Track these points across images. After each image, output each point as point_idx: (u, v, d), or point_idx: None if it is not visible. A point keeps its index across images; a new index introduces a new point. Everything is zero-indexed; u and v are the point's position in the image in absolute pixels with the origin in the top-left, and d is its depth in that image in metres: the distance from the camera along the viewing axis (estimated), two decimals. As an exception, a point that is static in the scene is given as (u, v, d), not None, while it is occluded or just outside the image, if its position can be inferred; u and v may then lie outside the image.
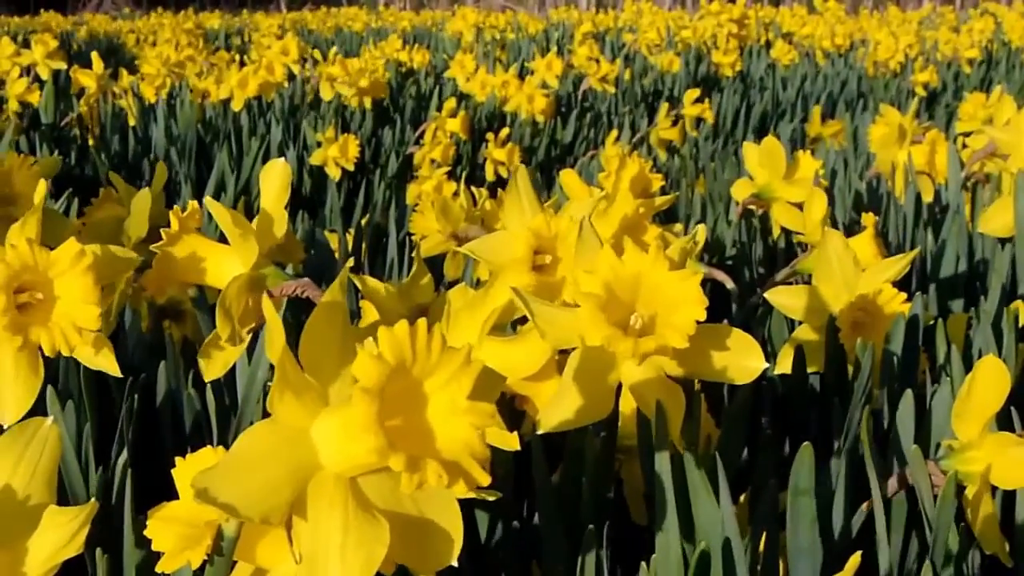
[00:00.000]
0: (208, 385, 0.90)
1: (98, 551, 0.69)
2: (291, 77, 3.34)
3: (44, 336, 0.67)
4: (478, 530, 0.80)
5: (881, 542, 0.74)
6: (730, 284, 1.20)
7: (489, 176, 2.65)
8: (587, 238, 0.72)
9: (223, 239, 0.79)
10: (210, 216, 0.79)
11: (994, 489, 0.73)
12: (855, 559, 0.67)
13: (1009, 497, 0.78)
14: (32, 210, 0.71)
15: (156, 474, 0.74)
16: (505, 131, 2.76)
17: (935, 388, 0.87)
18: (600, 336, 0.64)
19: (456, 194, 1.85)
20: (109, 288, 0.85)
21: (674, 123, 2.92)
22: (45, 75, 2.99)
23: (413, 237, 1.32)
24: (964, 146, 1.91)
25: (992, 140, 1.41)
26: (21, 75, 2.84)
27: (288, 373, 0.45)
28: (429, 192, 2.12)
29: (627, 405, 0.73)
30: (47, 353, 0.67)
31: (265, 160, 1.99)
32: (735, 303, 1.23)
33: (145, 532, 0.61)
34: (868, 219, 1.25)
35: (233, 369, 0.81)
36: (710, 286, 1.18)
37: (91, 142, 2.71)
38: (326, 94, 3.09)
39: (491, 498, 0.48)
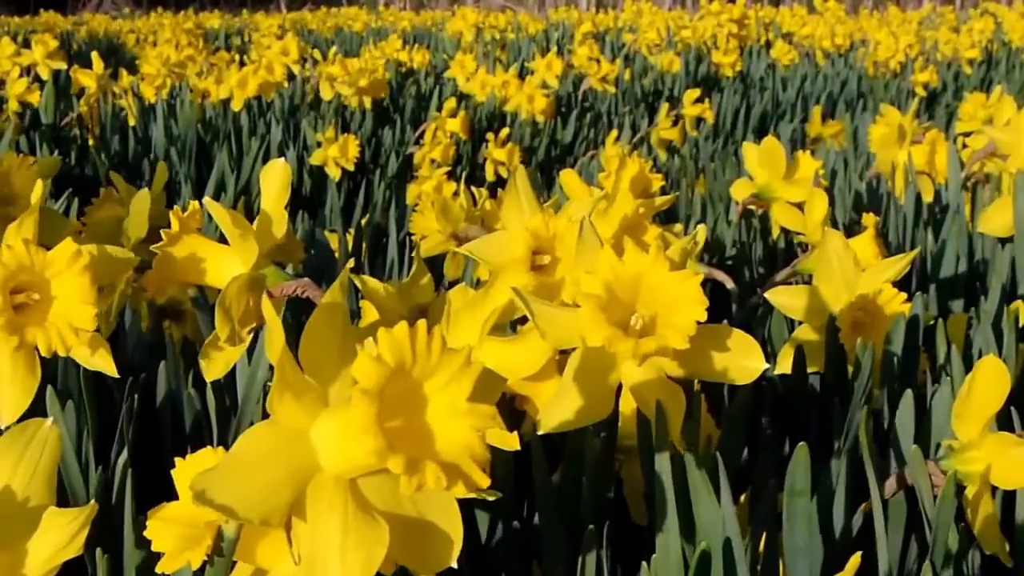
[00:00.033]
0: (208, 385, 0.90)
1: (98, 551, 0.69)
2: (291, 77, 3.34)
3: (40, 336, 0.67)
4: (478, 530, 0.80)
5: (880, 542, 0.74)
6: (730, 284, 1.20)
7: (489, 176, 2.65)
8: (588, 238, 0.72)
9: (223, 239, 0.79)
10: (210, 216, 0.79)
11: (994, 489, 0.73)
12: (855, 559, 0.67)
13: (1009, 497, 0.78)
14: (29, 210, 0.71)
15: (156, 474, 0.74)
16: (505, 131, 2.76)
17: (935, 388, 0.87)
18: (601, 337, 0.64)
19: (456, 194, 1.85)
20: (109, 288, 0.85)
21: (674, 123, 2.92)
22: (45, 75, 3.00)
23: (413, 237, 1.32)
24: (964, 146, 1.91)
25: (992, 140, 1.41)
26: (21, 75, 2.84)
27: (288, 374, 0.45)
28: (429, 192, 2.12)
29: (627, 405, 0.72)
30: (43, 353, 0.67)
31: (265, 160, 1.99)
32: (735, 303, 1.23)
33: (145, 533, 0.61)
34: (869, 219, 1.25)
35: (233, 369, 0.81)
36: (710, 286, 1.18)
37: (91, 142, 2.71)
38: (326, 94, 3.09)
39: (491, 498, 0.48)
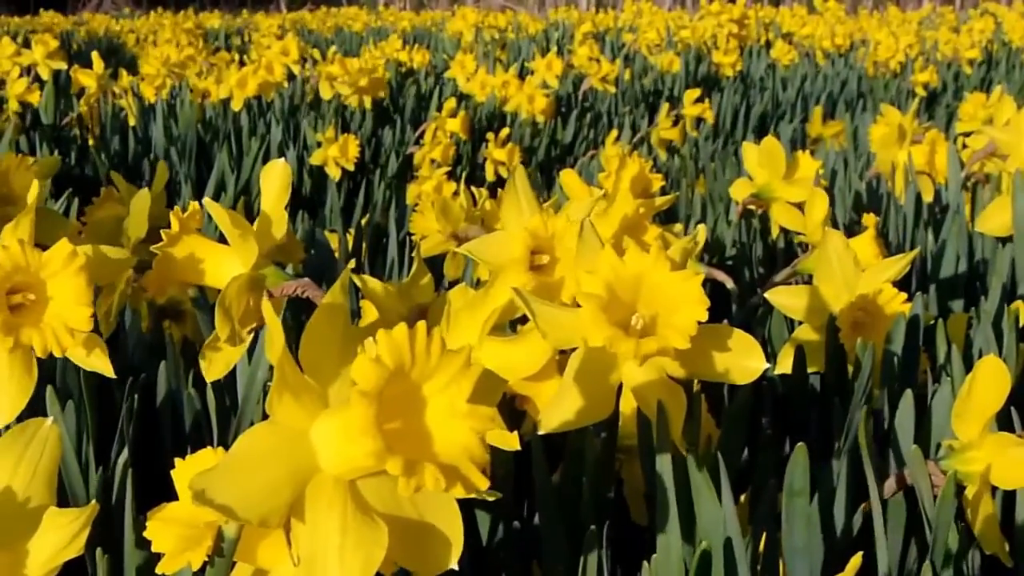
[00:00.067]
0: (208, 385, 0.89)
1: (98, 552, 0.69)
2: (291, 77, 3.34)
3: (35, 337, 0.66)
4: (479, 530, 0.80)
5: (880, 542, 0.74)
6: (730, 284, 1.20)
7: (489, 176, 2.65)
8: (588, 238, 0.72)
9: (223, 239, 0.79)
10: (210, 216, 0.79)
11: (994, 489, 0.73)
12: (857, 559, 0.67)
13: (1009, 497, 0.78)
14: (25, 211, 0.71)
15: (156, 474, 0.74)
16: (505, 131, 2.76)
17: (935, 388, 0.87)
18: (602, 337, 0.64)
19: (456, 194, 1.85)
20: (109, 288, 0.85)
21: (674, 123, 2.92)
22: (45, 75, 3.00)
23: (413, 237, 1.32)
24: (964, 146, 1.91)
25: (992, 140, 1.41)
26: (21, 75, 2.84)
27: (287, 374, 0.45)
28: (429, 192, 2.12)
29: (627, 405, 0.72)
30: (39, 354, 0.67)
31: (265, 160, 2.00)
32: (735, 303, 1.23)
33: (145, 533, 0.61)
34: (869, 219, 1.25)
35: (233, 369, 0.81)
36: (710, 286, 1.18)
37: (91, 142, 2.71)
38: (326, 94, 3.09)
39: (491, 499, 0.48)
